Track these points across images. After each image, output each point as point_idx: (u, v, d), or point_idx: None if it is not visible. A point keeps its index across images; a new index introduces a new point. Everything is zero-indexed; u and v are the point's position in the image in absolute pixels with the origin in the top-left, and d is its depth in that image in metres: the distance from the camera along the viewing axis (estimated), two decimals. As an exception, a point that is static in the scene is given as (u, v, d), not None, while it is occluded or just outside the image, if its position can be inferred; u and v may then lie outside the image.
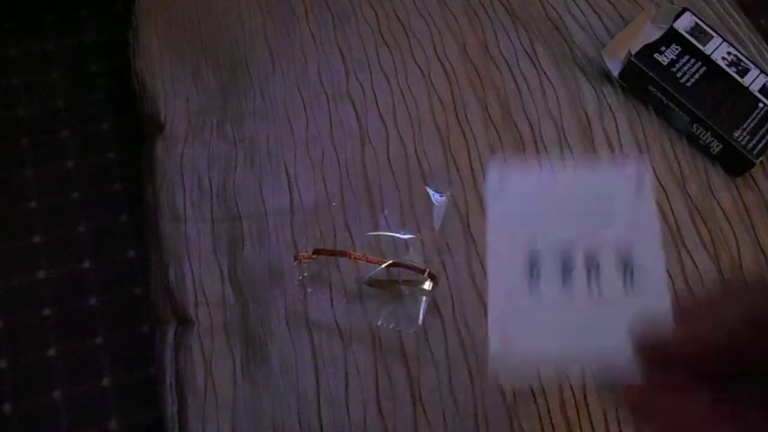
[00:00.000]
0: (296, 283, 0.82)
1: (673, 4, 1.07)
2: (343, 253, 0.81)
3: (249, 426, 0.76)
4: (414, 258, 0.82)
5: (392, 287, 0.80)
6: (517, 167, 0.49)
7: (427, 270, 0.79)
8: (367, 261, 0.79)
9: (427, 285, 0.79)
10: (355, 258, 0.80)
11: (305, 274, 0.81)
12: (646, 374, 0.32)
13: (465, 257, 0.83)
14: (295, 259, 0.81)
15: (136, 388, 1.27)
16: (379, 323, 0.78)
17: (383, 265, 0.79)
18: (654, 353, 0.31)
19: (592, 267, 0.42)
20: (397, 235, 0.83)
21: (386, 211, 0.86)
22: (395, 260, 0.79)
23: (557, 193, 0.47)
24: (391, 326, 0.78)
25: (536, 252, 0.42)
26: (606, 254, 0.42)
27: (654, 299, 0.41)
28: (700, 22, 1.00)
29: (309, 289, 0.81)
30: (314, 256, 0.81)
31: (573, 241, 0.42)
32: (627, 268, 0.41)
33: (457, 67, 0.99)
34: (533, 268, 0.42)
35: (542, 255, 0.42)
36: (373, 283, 0.81)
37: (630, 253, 0.41)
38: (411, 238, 0.83)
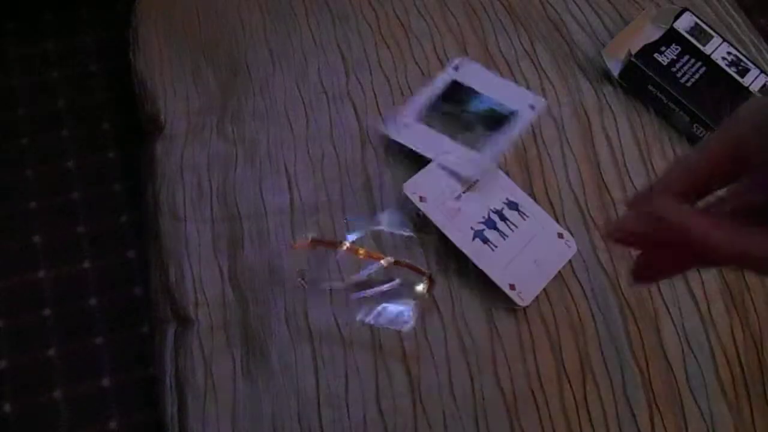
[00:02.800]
0: (296, 274, 0.82)
1: (673, 4, 1.07)
2: (334, 244, 0.80)
3: (249, 426, 0.76)
4: (413, 258, 0.82)
5: (390, 286, 0.80)
6: (415, 182, 0.84)
7: (429, 273, 0.79)
8: (368, 256, 0.79)
9: (423, 287, 0.79)
10: (350, 250, 0.80)
11: (305, 266, 0.81)
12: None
13: (464, 257, 0.83)
14: (292, 247, 0.81)
15: (136, 388, 1.27)
16: (369, 320, 0.77)
17: (382, 261, 0.79)
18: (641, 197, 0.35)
19: (505, 219, 0.84)
20: (398, 231, 0.83)
21: (386, 212, 0.86)
22: (396, 259, 0.79)
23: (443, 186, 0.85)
24: (383, 324, 0.77)
25: (475, 230, 0.82)
26: (505, 210, 0.85)
27: (539, 216, 0.85)
28: (700, 22, 1.00)
29: (307, 285, 0.81)
30: (311, 245, 0.81)
31: (484, 213, 0.84)
32: (518, 209, 0.85)
33: (457, 67, 0.99)
34: (481, 237, 0.82)
35: (479, 228, 0.82)
36: (370, 281, 0.80)
37: (513, 203, 0.85)
38: (411, 237, 0.83)
